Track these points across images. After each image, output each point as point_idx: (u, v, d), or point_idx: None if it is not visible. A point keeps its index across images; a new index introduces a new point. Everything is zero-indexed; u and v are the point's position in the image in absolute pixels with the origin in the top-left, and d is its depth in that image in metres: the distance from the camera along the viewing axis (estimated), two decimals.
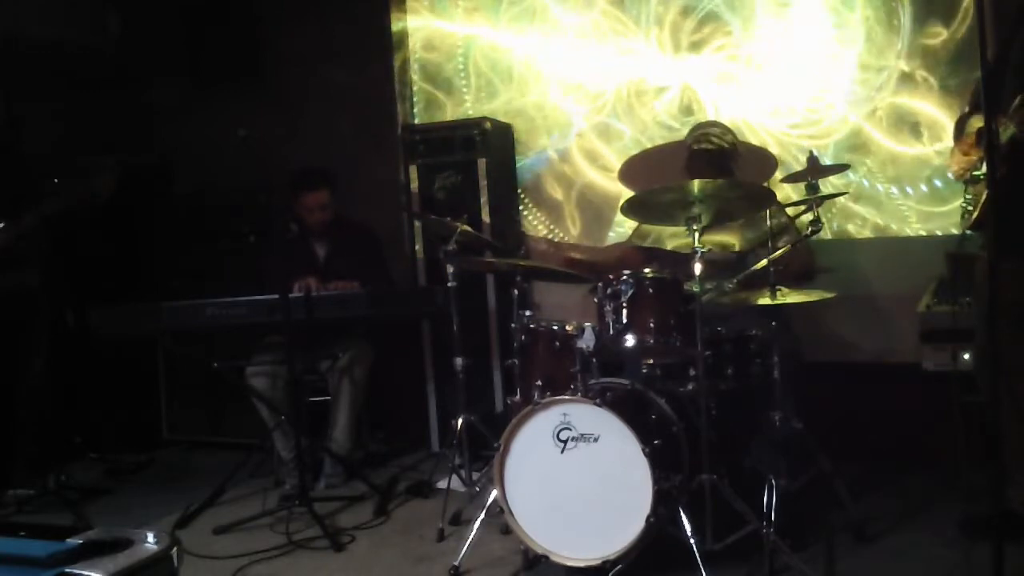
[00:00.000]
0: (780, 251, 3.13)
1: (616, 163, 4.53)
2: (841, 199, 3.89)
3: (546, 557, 2.99)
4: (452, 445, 3.87)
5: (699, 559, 2.82)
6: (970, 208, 3.01)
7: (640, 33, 4.45)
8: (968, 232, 3.04)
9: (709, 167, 3.56)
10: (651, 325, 3.09)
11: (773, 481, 3.05)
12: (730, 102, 4.30)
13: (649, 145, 4.45)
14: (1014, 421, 2.95)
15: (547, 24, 4.64)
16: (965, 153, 3.05)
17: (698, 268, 2.94)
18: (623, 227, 4.42)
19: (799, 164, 3.78)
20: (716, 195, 2.97)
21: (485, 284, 4.51)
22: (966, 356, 3.27)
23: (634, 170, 4.42)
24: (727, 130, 3.75)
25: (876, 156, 4.07)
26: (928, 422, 3.76)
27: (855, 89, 4.08)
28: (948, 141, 3.54)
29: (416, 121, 4.92)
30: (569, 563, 2.96)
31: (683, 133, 3.94)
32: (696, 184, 2.91)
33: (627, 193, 4.31)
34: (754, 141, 4.23)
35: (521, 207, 4.79)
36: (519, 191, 4.79)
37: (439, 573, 3.19)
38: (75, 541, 1.89)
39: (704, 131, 3.73)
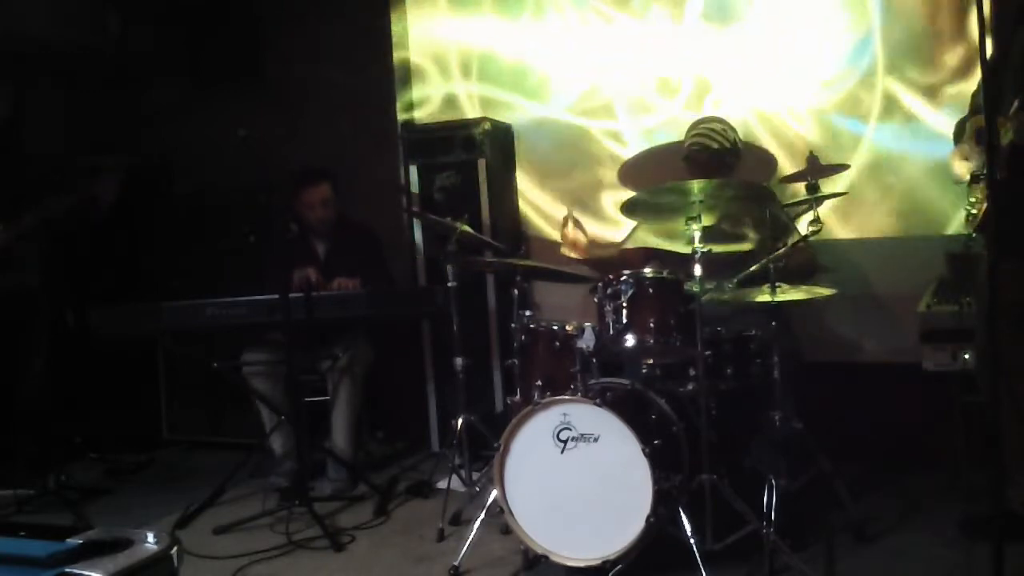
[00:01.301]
0: (780, 251, 3.13)
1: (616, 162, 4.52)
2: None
3: (546, 557, 2.99)
4: (452, 445, 3.87)
5: (699, 559, 2.82)
6: (974, 211, 3.01)
7: (644, 26, 4.42)
8: (973, 234, 3.03)
9: (707, 167, 3.53)
10: (651, 325, 3.09)
11: (773, 481, 3.05)
12: (743, 92, 4.24)
13: (653, 144, 4.43)
14: (1014, 421, 2.95)
15: (549, 23, 4.62)
16: (965, 156, 3.05)
17: (698, 268, 2.94)
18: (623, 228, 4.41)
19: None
20: (716, 195, 2.97)
21: (485, 284, 4.51)
22: (966, 356, 3.27)
23: (634, 170, 4.42)
24: (728, 127, 3.68)
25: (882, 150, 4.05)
26: (928, 422, 3.76)
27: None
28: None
29: (416, 121, 4.92)
30: (569, 563, 2.96)
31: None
32: (696, 184, 2.91)
33: (628, 192, 4.29)
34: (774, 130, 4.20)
35: (521, 207, 4.79)
36: (519, 191, 4.78)
37: (439, 573, 3.19)
38: (75, 541, 1.89)
39: (702, 129, 3.67)
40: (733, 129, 3.71)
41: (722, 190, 3.02)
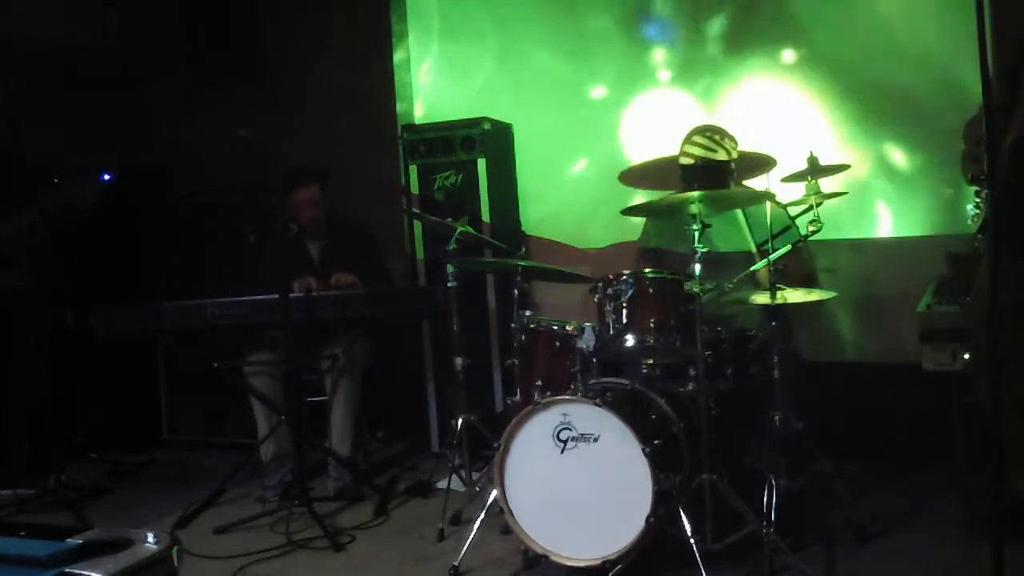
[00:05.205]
0: (780, 251, 3.13)
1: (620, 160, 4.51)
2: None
3: (546, 557, 2.99)
4: (452, 445, 3.87)
5: (699, 559, 2.82)
6: (978, 211, 3.00)
7: (657, 22, 4.42)
8: (980, 235, 3.03)
9: (698, 181, 3.30)
10: (651, 325, 3.09)
11: (773, 481, 3.05)
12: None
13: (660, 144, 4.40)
14: (1014, 421, 2.94)
15: (551, 23, 4.62)
16: (973, 155, 3.05)
17: (698, 268, 2.94)
18: (623, 228, 4.40)
19: None
20: (715, 203, 2.97)
21: (485, 284, 4.51)
22: (966, 356, 3.27)
23: (636, 172, 4.40)
24: (724, 137, 3.42)
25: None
26: (928, 422, 3.76)
27: None
28: None
29: (416, 121, 4.92)
30: (569, 563, 2.96)
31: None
32: (696, 193, 2.91)
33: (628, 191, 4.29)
34: None
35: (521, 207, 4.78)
36: (518, 191, 4.78)
37: (439, 573, 3.19)
38: (75, 541, 1.90)
39: (692, 141, 3.43)
40: (732, 138, 3.46)
41: (721, 200, 3.01)
